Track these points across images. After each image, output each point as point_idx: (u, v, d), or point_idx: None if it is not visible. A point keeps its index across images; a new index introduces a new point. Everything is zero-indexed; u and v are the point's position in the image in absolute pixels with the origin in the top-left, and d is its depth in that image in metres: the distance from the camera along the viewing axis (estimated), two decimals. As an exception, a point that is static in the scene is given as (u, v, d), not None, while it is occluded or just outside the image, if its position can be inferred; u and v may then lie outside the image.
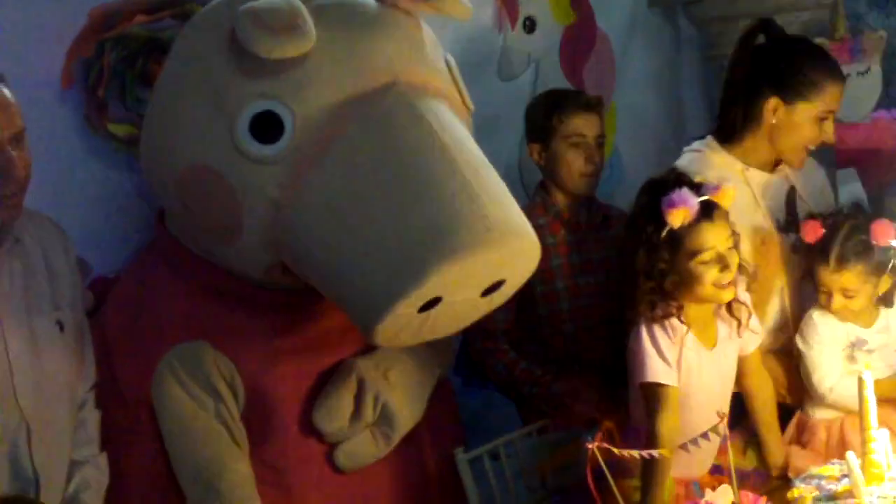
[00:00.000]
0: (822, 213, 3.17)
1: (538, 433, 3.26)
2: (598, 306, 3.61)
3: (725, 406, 2.93)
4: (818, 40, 4.49)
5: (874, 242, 3.03)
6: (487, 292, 2.68)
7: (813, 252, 3.10)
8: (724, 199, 2.85)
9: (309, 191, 2.62)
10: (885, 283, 3.08)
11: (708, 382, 2.91)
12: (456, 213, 2.54)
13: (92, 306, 2.95)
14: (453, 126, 2.72)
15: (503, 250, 2.61)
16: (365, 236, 2.56)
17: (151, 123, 2.84)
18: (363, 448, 2.93)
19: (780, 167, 3.39)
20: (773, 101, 3.27)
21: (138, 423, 2.85)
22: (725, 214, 2.85)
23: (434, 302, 2.56)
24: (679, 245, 2.80)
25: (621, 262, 3.05)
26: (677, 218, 2.76)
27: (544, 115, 3.60)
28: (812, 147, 3.34)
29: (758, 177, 3.34)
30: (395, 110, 2.66)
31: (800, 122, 3.27)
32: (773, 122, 3.29)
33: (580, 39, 4.40)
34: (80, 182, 3.09)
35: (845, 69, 3.99)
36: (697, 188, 2.83)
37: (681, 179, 2.85)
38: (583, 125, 3.60)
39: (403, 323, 2.60)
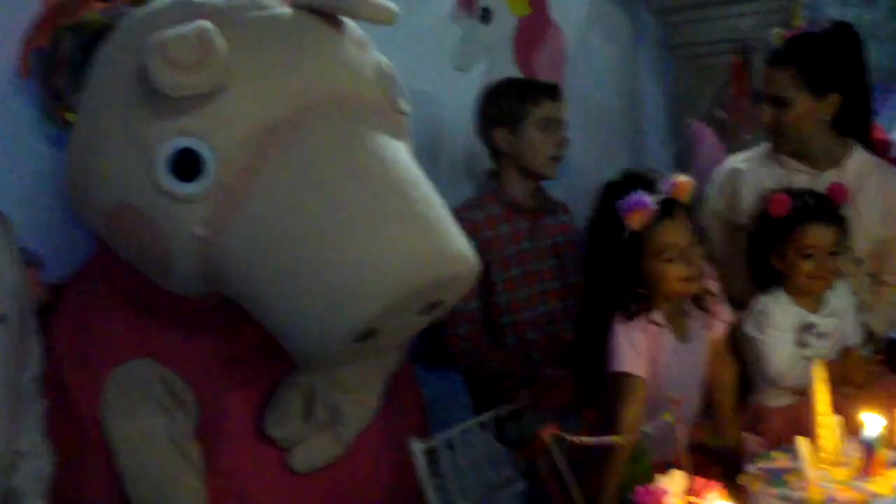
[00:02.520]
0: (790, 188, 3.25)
1: (495, 422, 3.27)
2: (554, 291, 3.68)
3: (699, 394, 3.00)
4: (775, 30, 4.54)
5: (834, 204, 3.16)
6: (425, 311, 2.64)
7: (784, 225, 3.15)
8: (682, 194, 2.87)
9: (235, 228, 2.54)
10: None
11: (683, 374, 2.95)
12: (387, 246, 2.47)
13: (45, 302, 2.92)
14: (383, 146, 2.63)
15: (439, 281, 2.56)
16: (292, 276, 2.48)
17: (74, 157, 2.76)
18: (317, 450, 2.90)
19: (837, 170, 3.51)
20: None
21: (92, 443, 2.80)
22: (685, 209, 2.87)
23: (369, 333, 2.52)
24: (642, 246, 2.83)
25: (585, 264, 3.08)
26: (636, 221, 2.78)
27: (516, 100, 3.63)
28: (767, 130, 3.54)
29: (801, 177, 3.48)
30: (318, 137, 2.58)
31: None
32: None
33: (534, 30, 4.42)
34: (39, 172, 3.06)
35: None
36: (654, 186, 2.85)
37: (637, 180, 2.87)
38: (554, 110, 3.71)
39: (338, 355, 2.58)
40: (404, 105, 2.84)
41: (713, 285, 3.00)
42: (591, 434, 2.58)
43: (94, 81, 2.72)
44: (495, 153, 3.73)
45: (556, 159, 3.72)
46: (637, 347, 2.85)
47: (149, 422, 2.76)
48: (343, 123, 2.62)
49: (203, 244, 2.58)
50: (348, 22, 2.79)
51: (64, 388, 2.83)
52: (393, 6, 2.71)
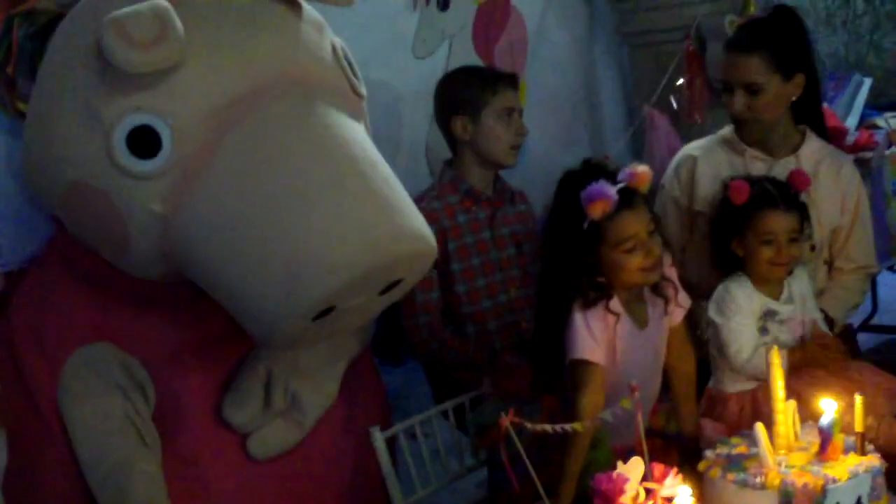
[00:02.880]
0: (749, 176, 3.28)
1: (456, 411, 3.27)
2: (513, 280, 3.69)
3: (657, 380, 3.01)
4: (728, 17, 4.58)
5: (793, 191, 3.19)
6: (384, 291, 2.65)
7: (743, 212, 3.16)
8: (642, 184, 2.87)
9: (193, 205, 2.54)
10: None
11: (642, 361, 2.95)
12: (344, 224, 2.48)
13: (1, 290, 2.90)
14: (340, 125, 2.64)
15: (396, 258, 2.57)
16: (251, 251, 2.48)
17: (30, 137, 2.74)
18: (276, 436, 2.90)
19: (793, 157, 3.54)
20: None
21: (49, 429, 2.78)
22: (643, 199, 2.88)
23: (328, 310, 2.53)
24: (601, 236, 2.83)
25: (544, 253, 3.08)
26: (597, 210, 2.78)
27: (473, 89, 3.63)
28: (733, 116, 3.56)
29: (758, 164, 3.51)
30: (276, 115, 2.58)
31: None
32: None
33: (493, 17, 4.41)
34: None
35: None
36: (614, 176, 2.85)
37: (597, 170, 2.87)
38: (511, 98, 3.71)
39: (298, 333, 2.57)
40: (361, 88, 2.84)
41: (671, 272, 3.00)
42: (550, 421, 2.58)
43: (50, 62, 2.70)
44: (453, 141, 3.73)
45: (515, 148, 3.73)
46: (595, 335, 2.86)
47: (107, 405, 2.74)
48: (300, 101, 2.62)
49: (161, 221, 2.58)
50: (305, 4, 2.78)
51: (22, 375, 2.81)
52: None
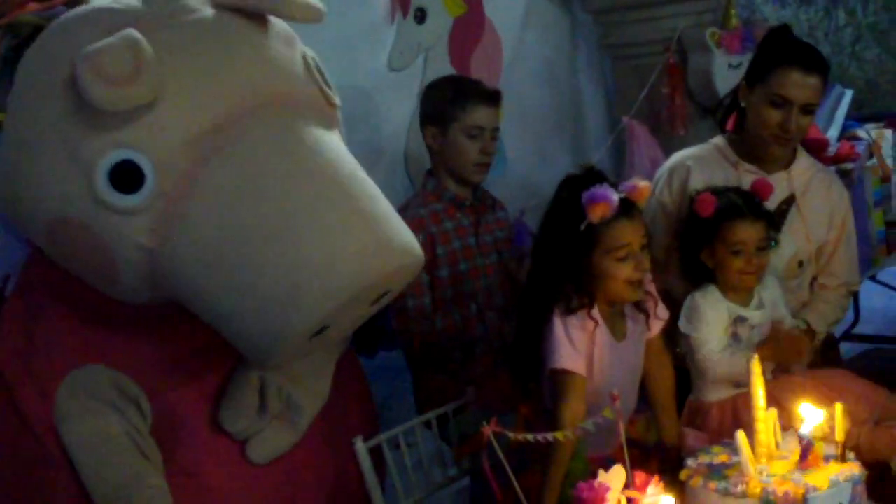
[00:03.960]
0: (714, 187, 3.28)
1: (438, 421, 3.28)
2: (498, 285, 3.70)
3: (634, 392, 3.02)
4: (710, 30, 4.60)
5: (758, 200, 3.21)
6: (374, 302, 2.66)
7: (711, 223, 3.18)
8: (641, 199, 2.89)
9: (180, 236, 2.53)
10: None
11: (618, 373, 2.95)
12: (334, 245, 2.48)
13: None
14: (321, 142, 2.63)
15: (388, 274, 2.57)
16: (242, 281, 2.47)
17: (5, 174, 2.69)
18: (273, 439, 2.89)
19: (785, 173, 3.51)
20: (743, 85, 3.48)
21: (49, 454, 2.75)
22: (641, 213, 2.90)
23: (322, 328, 2.54)
24: (596, 240, 2.83)
25: (534, 255, 3.08)
26: (597, 213, 2.78)
27: (448, 102, 3.63)
28: (776, 134, 3.44)
29: (750, 176, 3.46)
30: (256, 138, 2.56)
31: (756, 104, 3.43)
32: (744, 105, 3.48)
33: (469, 31, 4.42)
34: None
35: (728, 60, 4.10)
36: (615, 186, 2.86)
37: (599, 177, 2.87)
38: (483, 118, 3.69)
39: (290, 353, 2.59)
40: (335, 98, 2.82)
41: (650, 286, 3.01)
42: (525, 429, 2.59)
43: (21, 89, 2.67)
44: (430, 150, 3.74)
45: (480, 165, 3.73)
46: (576, 344, 2.86)
47: (104, 424, 2.73)
48: (279, 123, 2.61)
49: (148, 254, 2.56)
50: (273, 19, 2.75)
51: (15, 404, 2.78)
52: (320, 4, 2.69)
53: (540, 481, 2.75)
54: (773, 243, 3.26)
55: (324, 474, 3.00)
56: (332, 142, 2.67)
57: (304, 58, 2.78)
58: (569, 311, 2.88)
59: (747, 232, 3.14)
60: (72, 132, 2.52)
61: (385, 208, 2.62)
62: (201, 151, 2.52)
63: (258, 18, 2.70)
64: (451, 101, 3.65)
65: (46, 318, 2.83)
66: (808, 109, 3.44)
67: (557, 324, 2.88)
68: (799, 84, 3.41)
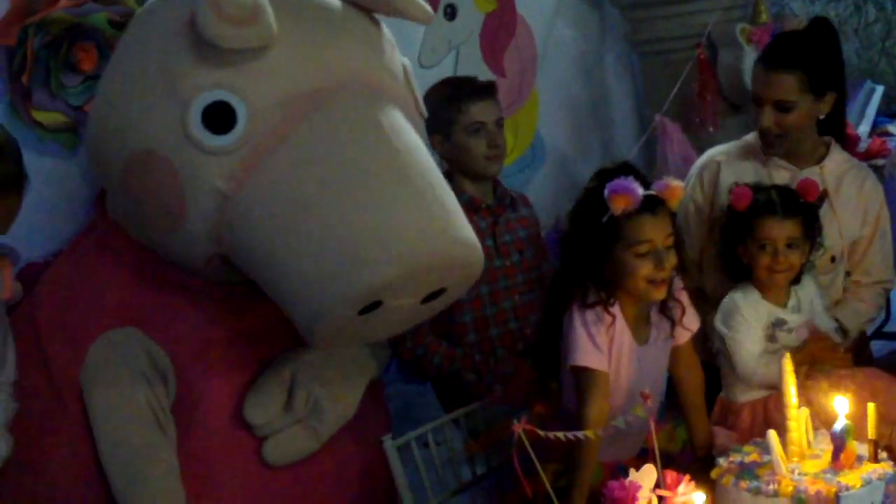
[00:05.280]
0: (758, 184, 3.27)
1: (465, 418, 3.28)
2: (515, 287, 3.69)
3: (656, 400, 2.99)
4: (740, 25, 4.58)
5: (801, 199, 3.17)
6: (427, 299, 2.68)
7: (745, 218, 3.17)
8: (672, 199, 2.86)
9: (257, 185, 2.59)
10: (806, 254, 3.19)
11: (637, 377, 2.93)
12: (403, 220, 2.54)
13: (21, 296, 2.91)
14: (406, 131, 2.71)
15: (448, 260, 2.62)
16: (309, 237, 2.53)
17: (101, 104, 2.79)
18: (292, 443, 2.91)
19: (818, 168, 3.51)
20: None
21: (64, 408, 2.80)
22: (670, 213, 2.87)
23: (374, 305, 2.55)
24: (617, 233, 2.81)
25: (563, 245, 3.06)
26: (619, 204, 2.76)
27: (442, 107, 3.62)
28: (763, 133, 3.49)
29: (782, 173, 3.47)
30: (349, 111, 2.65)
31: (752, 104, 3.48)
32: None
33: (501, 27, 4.40)
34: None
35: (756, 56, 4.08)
36: (646, 182, 2.84)
37: (629, 171, 2.86)
38: (480, 112, 3.68)
39: (342, 325, 2.59)
40: (424, 110, 2.94)
41: (681, 294, 2.99)
42: (540, 427, 2.56)
43: (136, 31, 2.77)
44: (440, 156, 3.74)
45: (491, 158, 3.71)
46: (596, 340, 2.84)
47: (130, 391, 2.76)
48: (373, 103, 2.69)
49: (221, 199, 2.62)
50: (384, 25, 2.88)
51: (44, 353, 2.82)
52: (430, 8, 2.86)
53: (554, 480, 2.74)
54: (816, 244, 3.24)
55: (346, 478, 3.01)
56: (415, 135, 2.75)
57: (404, 66, 2.90)
58: (586, 305, 2.86)
59: (775, 228, 3.13)
60: (175, 66, 2.62)
61: (454, 203, 2.69)
62: (295, 110, 2.61)
63: (373, 17, 2.84)
64: (446, 104, 3.64)
65: (92, 275, 2.89)
66: (783, 106, 3.42)
67: (577, 318, 2.86)
68: (763, 81, 3.45)
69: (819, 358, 3.13)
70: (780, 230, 3.13)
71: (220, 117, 2.60)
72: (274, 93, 2.61)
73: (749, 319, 3.13)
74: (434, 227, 2.58)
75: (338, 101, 2.64)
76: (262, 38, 2.56)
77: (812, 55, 3.46)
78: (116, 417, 2.77)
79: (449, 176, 3.73)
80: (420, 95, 2.97)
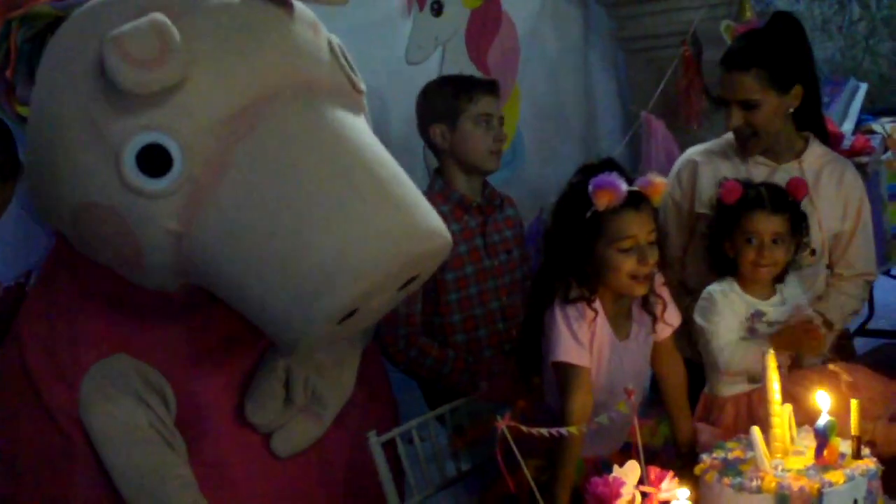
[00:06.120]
0: (747, 180, 3.27)
1: (450, 414, 3.28)
2: (503, 287, 3.70)
3: (638, 395, 2.99)
4: (724, 23, 4.58)
5: (790, 198, 3.18)
6: (402, 287, 2.67)
7: (733, 212, 3.18)
8: (655, 195, 2.87)
9: (208, 220, 2.54)
10: (791, 251, 3.19)
11: (618, 373, 2.93)
12: (364, 227, 2.50)
13: None
14: (350, 128, 2.65)
15: (420, 254, 2.60)
16: (272, 263, 2.48)
17: (32, 156, 2.72)
18: (298, 432, 2.91)
19: (796, 163, 3.52)
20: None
21: (73, 447, 2.77)
22: (652, 210, 2.87)
23: (352, 312, 2.54)
24: (600, 229, 2.81)
25: (545, 241, 3.06)
26: (602, 199, 2.76)
27: (451, 97, 3.63)
28: (736, 132, 3.52)
29: (760, 169, 3.49)
30: (284, 121, 2.58)
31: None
32: None
33: (486, 23, 4.41)
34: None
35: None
36: (629, 179, 2.84)
37: (614, 168, 2.86)
38: (488, 105, 3.70)
39: (321, 338, 2.59)
40: (360, 83, 2.84)
41: (662, 290, 3.00)
42: (522, 424, 2.55)
43: (47, 75, 2.68)
44: (436, 150, 3.73)
45: (495, 153, 3.72)
46: (578, 336, 2.84)
47: (129, 414, 2.74)
48: (307, 108, 2.62)
49: (176, 238, 2.57)
50: (298, 4, 2.77)
51: (39, 395, 2.80)
52: None
53: (536, 475, 2.73)
54: (802, 244, 3.25)
55: (346, 467, 3.01)
56: (359, 126, 2.70)
57: (330, 44, 2.79)
58: (568, 300, 2.86)
59: (762, 222, 3.13)
60: (98, 116, 2.53)
61: (412, 192, 2.64)
62: (229, 134, 2.54)
63: (284, 5, 2.72)
64: (455, 95, 3.65)
65: (70, 308, 2.84)
66: (748, 105, 3.44)
67: (558, 314, 2.86)
68: (726, 82, 3.49)
69: (800, 341, 3.13)
70: (767, 224, 3.13)
71: (154, 159, 2.52)
72: (203, 122, 2.53)
73: (724, 310, 3.13)
74: (400, 224, 2.54)
75: (270, 115, 2.56)
76: (175, 74, 2.47)
77: (771, 51, 3.48)
78: (122, 444, 2.74)
79: (439, 172, 3.74)
80: (355, 69, 2.84)
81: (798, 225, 3.20)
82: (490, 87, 3.74)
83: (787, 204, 3.18)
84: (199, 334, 2.84)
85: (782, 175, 3.40)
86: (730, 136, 3.63)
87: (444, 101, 3.66)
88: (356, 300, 2.49)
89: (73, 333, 2.81)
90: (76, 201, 2.61)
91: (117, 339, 2.79)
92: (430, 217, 2.65)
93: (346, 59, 2.83)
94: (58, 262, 2.93)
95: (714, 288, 3.18)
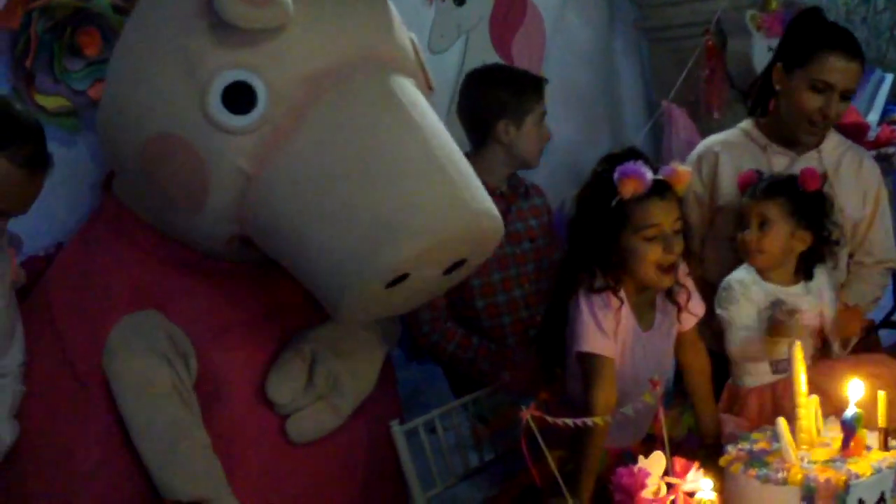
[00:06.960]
0: (773, 175, 3.26)
1: (472, 404, 3.27)
2: (526, 275, 3.68)
3: (663, 383, 2.98)
4: (749, 13, 4.56)
5: (801, 188, 3.14)
6: (449, 271, 2.70)
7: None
8: (679, 184, 2.86)
9: (279, 164, 2.61)
10: (805, 240, 3.15)
11: (641, 361, 2.92)
12: (428, 191, 2.57)
13: (23, 283, 2.89)
14: (423, 105, 2.74)
15: (474, 231, 2.66)
16: (334, 214, 2.54)
17: (112, 88, 2.78)
18: (314, 419, 2.92)
19: (816, 153, 3.48)
20: (777, 68, 3.40)
21: (90, 396, 2.80)
22: (677, 199, 2.86)
23: (401, 277, 2.57)
24: (626, 217, 2.80)
25: (569, 233, 3.05)
26: (628, 188, 2.76)
27: (520, 93, 3.65)
28: (814, 119, 3.39)
29: (780, 158, 3.45)
30: (367, 86, 2.67)
31: (795, 88, 3.36)
32: (778, 88, 3.42)
33: (510, 12, 4.40)
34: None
35: (768, 43, 4.03)
36: (654, 167, 2.83)
37: (637, 154, 2.85)
38: (544, 104, 3.73)
39: (369, 299, 2.61)
40: (432, 82, 2.97)
41: (686, 280, 2.98)
42: (548, 415, 2.54)
43: (143, 13, 2.76)
44: (484, 140, 3.70)
45: (541, 150, 3.76)
46: (603, 326, 2.83)
47: (153, 371, 2.76)
48: (389, 79, 2.72)
49: (245, 179, 2.64)
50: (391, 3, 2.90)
51: (62, 342, 2.82)
52: None
53: (559, 466, 2.72)
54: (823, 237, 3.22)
55: (358, 457, 3.02)
56: (430, 108, 2.78)
57: (412, 40, 2.93)
58: (593, 290, 2.85)
59: (771, 209, 3.11)
60: (194, 47, 2.63)
61: (472, 175, 2.73)
62: (315, 87, 2.63)
63: None
64: (523, 91, 3.65)
65: (107, 261, 2.89)
66: (847, 95, 3.41)
67: (583, 304, 2.85)
68: (841, 69, 3.36)
69: (843, 326, 3.16)
70: (756, 206, 3.14)
71: (240, 97, 2.61)
72: (293, 71, 2.63)
73: (740, 298, 3.12)
74: (459, 198, 2.62)
75: (355, 78, 2.66)
76: (280, 18, 2.57)
77: (858, 44, 3.45)
78: (145, 398, 2.76)
79: (470, 159, 3.73)
80: (428, 70, 2.98)
81: (806, 214, 3.15)
82: (543, 85, 3.76)
83: (783, 190, 3.14)
84: (233, 307, 2.89)
85: (802, 165, 3.37)
86: (745, 126, 3.60)
87: (515, 97, 3.65)
88: (410, 259, 2.54)
89: (107, 284, 2.86)
90: (153, 130, 2.67)
91: (151, 296, 2.84)
92: (489, 201, 2.75)
93: (423, 60, 2.96)
94: (100, 217, 2.98)
95: (733, 276, 3.17)
